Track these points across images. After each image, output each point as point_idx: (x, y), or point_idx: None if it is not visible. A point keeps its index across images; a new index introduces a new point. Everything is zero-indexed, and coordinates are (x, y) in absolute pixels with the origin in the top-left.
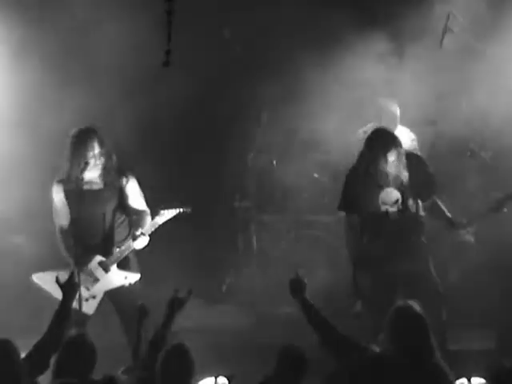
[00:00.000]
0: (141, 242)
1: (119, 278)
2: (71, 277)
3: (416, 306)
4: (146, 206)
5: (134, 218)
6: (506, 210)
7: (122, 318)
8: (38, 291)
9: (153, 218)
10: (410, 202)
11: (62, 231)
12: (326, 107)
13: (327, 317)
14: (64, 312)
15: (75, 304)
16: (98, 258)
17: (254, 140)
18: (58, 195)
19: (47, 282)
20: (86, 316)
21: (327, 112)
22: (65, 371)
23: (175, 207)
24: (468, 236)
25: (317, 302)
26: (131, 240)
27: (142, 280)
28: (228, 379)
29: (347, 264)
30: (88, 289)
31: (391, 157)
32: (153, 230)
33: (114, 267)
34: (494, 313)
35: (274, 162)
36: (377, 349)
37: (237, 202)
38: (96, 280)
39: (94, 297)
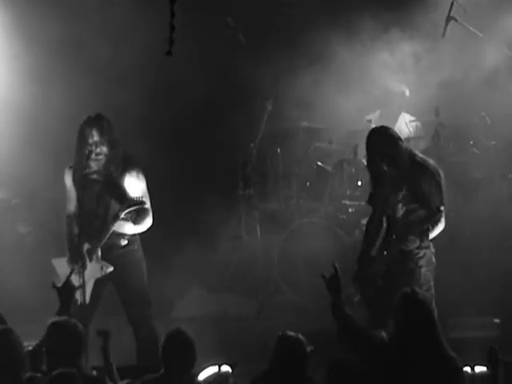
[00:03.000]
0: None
1: (97, 268)
2: (68, 281)
3: (421, 292)
4: (144, 199)
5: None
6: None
7: (124, 307)
8: (42, 279)
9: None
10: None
11: (68, 217)
12: (332, 95)
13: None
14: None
15: (79, 297)
16: (87, 246)
17: (258, 128)
18: (68, 182)
19: (61, 267)
20: (89, 306)
21: (332, 100)
22: (52, 356)
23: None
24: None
25: (321, 288)
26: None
27: (148, 269)
28: (231, 367)
29: (350, 251)
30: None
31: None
32: (115, 223)
33: (95, 256)
34: (499, 301)
35: (278, 150)
36: (385, 335)
37: (240, 190)
38: (85, 268)
39: (85, 284)
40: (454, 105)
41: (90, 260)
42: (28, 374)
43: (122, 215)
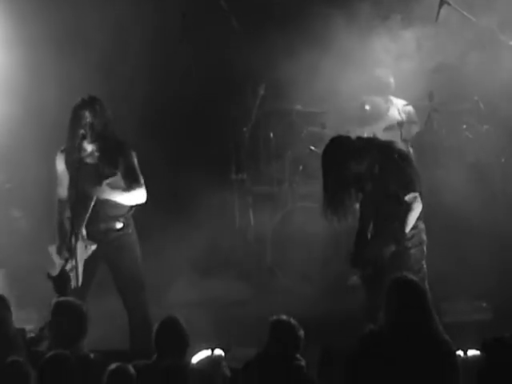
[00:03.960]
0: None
1: (83, 248)
2: (63, 270)
3: (411, 275)
4: (137, 181)
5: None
6: None
7: (118, 291)
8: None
9: None
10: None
11: (60, 202)
12: (327, 80)
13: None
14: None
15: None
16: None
17: (251, 112)
18: (60, 165)
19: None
20: (84, 285)
21: (327, 84)
22: (55, 334)
23: None
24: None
25: (314, 273)
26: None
27: (142, 253)
28: (224, 351)
29: (343, 236)
30: (71, 259)
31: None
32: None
33: (80, 236)
34: (492, 285)
35: (271, 134)
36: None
37: (233, 175)
38: (75, 250)
39: (76, 266)
40: (447, 90)
41: (77, 241)
42: (11, 358)
43: (106, 182)
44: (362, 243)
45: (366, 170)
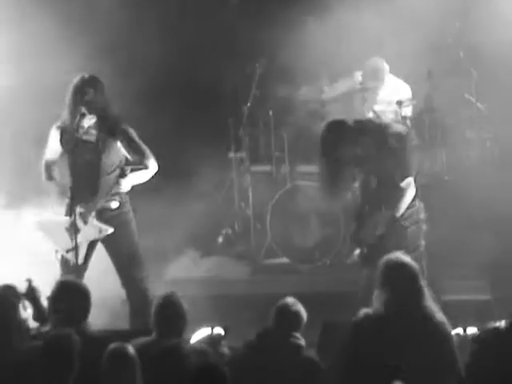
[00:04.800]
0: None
1: (94, 230)
2: (30, 286)
3: (404, 256)
4: (147, 154)
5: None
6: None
7: (117, 270)
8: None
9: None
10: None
11: (46, 162)
12: (320, 58)
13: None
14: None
15: (71, 256)
16: (79, 209)
17: (250, 90)
18: (54, 141)
19: (44, 229)
20: (81, 267)
21: (322, 60)
22: (58, 315)
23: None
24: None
25: (314, 252)
26: (108, 194)
27: (139, 230)
28: (224, 330)
29: (343, 214)
30: (72, 239)
31: None
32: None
33: (91, 219)
34: (489, 263)
35: (271, 113)
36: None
37: (232, 153)
38: (78, 230)
39: (78, 246)
40: (445, 67)
41: (85, 223)
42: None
43: (128, 171)
44: (360, 223)
45: (362, 153)
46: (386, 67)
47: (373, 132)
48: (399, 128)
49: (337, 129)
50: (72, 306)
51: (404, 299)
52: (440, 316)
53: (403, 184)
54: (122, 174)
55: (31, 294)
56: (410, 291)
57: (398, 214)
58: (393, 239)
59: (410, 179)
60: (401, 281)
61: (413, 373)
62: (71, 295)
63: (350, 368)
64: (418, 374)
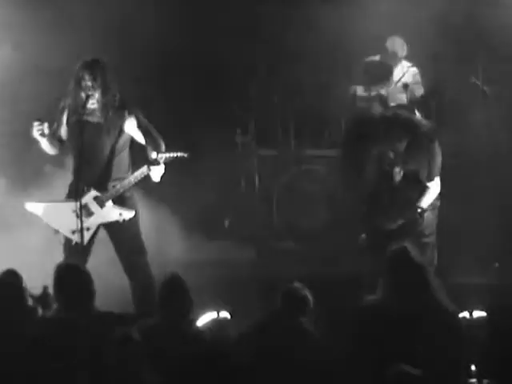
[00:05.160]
0: (157, 170)
1: (114, 214)
2: (45, 293)
3: (409, 247)
4: (154, 139)
5: (149, 148)
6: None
7: (120, 255)
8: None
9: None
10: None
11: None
12: (328, 44)
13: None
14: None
15: (72, 235)
16: (94, 192)
17: (256, 75)
18: (61, 119)
19: (44, 213)
20: (84, 249)
21: (329, 42)
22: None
23: (172, 152)
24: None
25: (319, 234)
26: (131, 177)
27: (145, 214)
28: (230, 313)
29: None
30: (82, 221)
31: None
32: (141, 177)
33: (109, 203)
34: (499, 247)
35: (275, 99)
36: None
37: (238, 137)
38: (91, 214)
39: (87, 228)
40: (452, 48)
41: (102, 207)
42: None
43: (162, 161)
44: (374, 209)
45: (388, 147)
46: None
47: (403, 126)
48: (429, 125)
49: (363, 125)
50: (74, 288)
51: (407, 289)
52: (447, 305)
53: (432, 183)
54: (155, 162)
55: (45, 300)
56: (414, 282)
57: (423, 208)
58: (408, 226)
59: (437, 178)
60: (405, 271)
61: (416, 360)
62: (72, 277)
63: (355, 353)
64: (422, 362)
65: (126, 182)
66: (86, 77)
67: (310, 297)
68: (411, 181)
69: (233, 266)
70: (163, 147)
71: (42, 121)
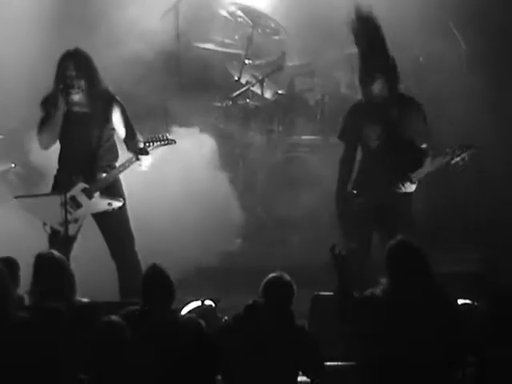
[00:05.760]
0: (145, 159)
1: (102, 204)
2: None
3: (406, 239)
4: (133, 131)
5: (129, 144)
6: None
7: (108, 242)
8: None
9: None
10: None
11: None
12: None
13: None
14: None
15: (60, 227)
16: (82, 185)
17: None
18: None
19: (29, 205)
20: (70, 239)
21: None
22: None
23: (160, 139)
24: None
25: (302, 223)
26: (119, 166)
27: (133, 201)
28: (214, 302)
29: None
30: (70, 213)
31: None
32: (130, 165)
33: (97, 194)
34: (484, 235)
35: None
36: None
37: (222, 124)
38: (79, 206)
39: (75, 220)
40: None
41: (90, 197)
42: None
43: (150, 150)
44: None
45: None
46: None
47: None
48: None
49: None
50: (51, 278)
51: (414, 282)
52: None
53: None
54: (144, 151)
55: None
56: (420, 274)
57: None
58: (398, 203)
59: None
60: (410, 265)
61: (420, 350)
62: (48, 268)
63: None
64: (426, 351)
65: (113, 171)
66: (71, 66)
67: (293, 285)
68: (405, 150)
69: (217, 254)
70: (140, 143)
71: None
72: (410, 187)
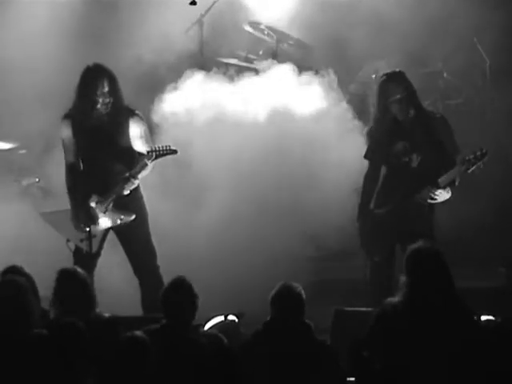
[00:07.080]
0: (128, 186)
1: (114, 218)
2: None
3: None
4: (148, 147)
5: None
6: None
7: (129, 257)
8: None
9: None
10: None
11: (69, 169)
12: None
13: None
14: None
15: (80, 243)
16: (95, 197)
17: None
18: (66, 131)
19: (53, 221)
20: (93, 255)
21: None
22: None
23: (162, 148)
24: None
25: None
26: (127, 174)
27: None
28: (237, 317)
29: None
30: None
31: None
32: (142, 171)
33: (110, 207)
34: (505, 250)
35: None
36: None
37: None
38: (96, 219)
39: (94, 236)
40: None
41: (104, 212)
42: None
43: (152, 160)
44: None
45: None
46: None
47: None
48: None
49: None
50: (71, 294)
51: (432, 285)
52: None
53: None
54: (144, 166)
55: None
56: (441, 281)
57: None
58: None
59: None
60: (432, 271)
61: (438, 362)
62: (69, 284)
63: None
64: (444, 363)
65: (124, 180)
66: (105, 82)
67: (302, 295)
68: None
69: (235, 267)
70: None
71: None
72: (443, 195)
